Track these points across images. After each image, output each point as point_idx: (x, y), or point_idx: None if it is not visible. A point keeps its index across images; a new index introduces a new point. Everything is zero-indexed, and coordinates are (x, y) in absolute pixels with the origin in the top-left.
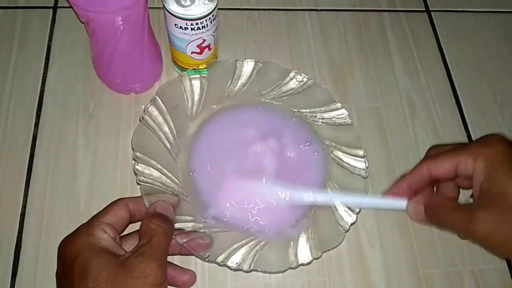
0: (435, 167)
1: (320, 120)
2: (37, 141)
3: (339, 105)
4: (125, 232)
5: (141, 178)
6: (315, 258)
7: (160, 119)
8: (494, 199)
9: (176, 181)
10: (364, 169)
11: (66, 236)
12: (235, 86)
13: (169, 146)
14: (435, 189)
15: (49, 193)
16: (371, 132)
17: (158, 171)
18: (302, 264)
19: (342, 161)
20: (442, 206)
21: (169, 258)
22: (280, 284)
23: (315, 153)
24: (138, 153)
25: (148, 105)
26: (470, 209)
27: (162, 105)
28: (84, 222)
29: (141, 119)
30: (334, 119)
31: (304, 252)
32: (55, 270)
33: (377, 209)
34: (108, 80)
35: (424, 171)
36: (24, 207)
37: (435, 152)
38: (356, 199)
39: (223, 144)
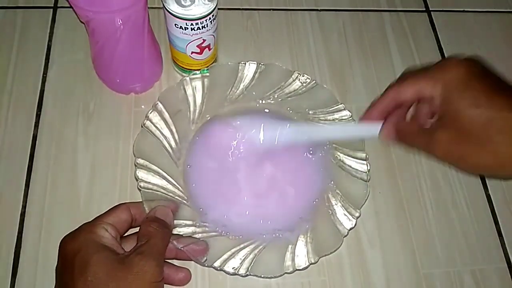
0: (399, 93)
1: (323, 122)
2: (37, 141)
3: (342, 106)
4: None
5: (142, 184)
6: (312, 263)
7: (162, 124)
8: (450, 120)
9: (177, 185)
10: (365, 172)
11: (68, 233)
12: (238, 89)
13: (171, 151)
14: (414, 107)
15: (49, 193)
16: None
17: (159, 176)
18: (299, 269)
19: (344, 163)
20: (407, 130)
21: (169, 260)
22: (280, 284)
23: (319, 154)
24: (139, 160)
25: (150, 111)
26: (430, 132)
27: (164, 110)
28: (84, 221)
29: (143, 125)
30: (337, 120)
31: (301, 257)
32: (55, 265)
33: (353, 138)
34: (108, 80)
35: (391, 97)
36: (24, 207)
37: (405, 75)
38: (331, 129)
39: (222, 148)
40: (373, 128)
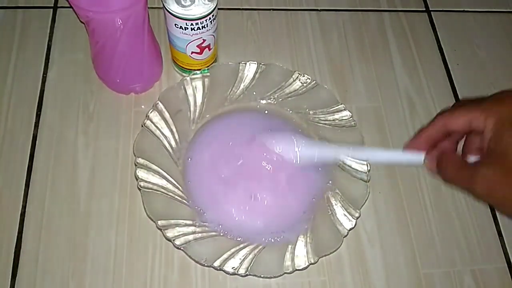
0: (450, 121)
1: (323, 122)
2: (37, 141)
3: (342, 106)
4: None
5: (142, 183)
6: (311, 263)
7: (162, 124)
8: (498, 157)
9: (177, 185)
10: (366, 172)
11: None
12: (238, 89)
13: (171, 151)
14: (465, 139)
15: (49, 193)
16: (371, 132)
17: (159, 176)
18: (298, 269)
19: (344, 163)
20: (450, 163)
21: (169, 259)
22: (280, 284)
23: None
24: (140, 159)
25: (150, 110)
26: (475, 167)
27: (164, 110)
28: (84, 221)
29: (143, 125)
30: (337, 121)
31: (301, 257)
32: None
33: (396, 165)
34: (108, 80)
35: (440, 124)
36: (24, 207)
37: (459, 104)
38: (375, 154)
39: (221, 148)
40: (417, 157)
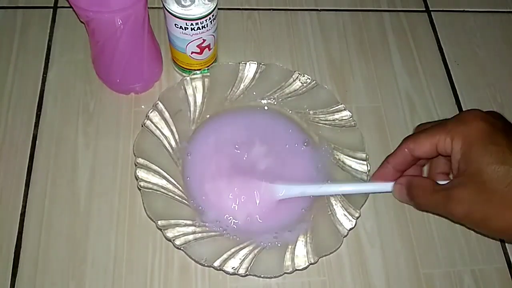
0: (415, 148)
1: (323, 122)
2: (37, 141)
3: (342, 106)
4: None
5: (142, 183)
6: (311, 263)
7: (162, 124)
8: (470, 178)
9: (177, 185)
10: (366, 172)
11: None
12: (238, 89)
13: (171, 151)
14: (428, 165)
15: (49, 193)
16: (371, 132)
17: (159, 176)
18: (298, 269)
19: (344, 163)
20: (421, 187)
21: (169, 259)
22: (280, 284)
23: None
24: (139, 159)
25: (150, 110)
26: (448, 190)
27: (164, 110)
28: (84, 221)
29: (143, 125)
30: (337, 121)
31: (301, 257)
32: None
33: (366, 193)
34: (108, 80)
35: (405, 152)
36: (24, 207)
37: (420, 128)
38: (344, 186)
39: (220, 147)
40: (385, 186)
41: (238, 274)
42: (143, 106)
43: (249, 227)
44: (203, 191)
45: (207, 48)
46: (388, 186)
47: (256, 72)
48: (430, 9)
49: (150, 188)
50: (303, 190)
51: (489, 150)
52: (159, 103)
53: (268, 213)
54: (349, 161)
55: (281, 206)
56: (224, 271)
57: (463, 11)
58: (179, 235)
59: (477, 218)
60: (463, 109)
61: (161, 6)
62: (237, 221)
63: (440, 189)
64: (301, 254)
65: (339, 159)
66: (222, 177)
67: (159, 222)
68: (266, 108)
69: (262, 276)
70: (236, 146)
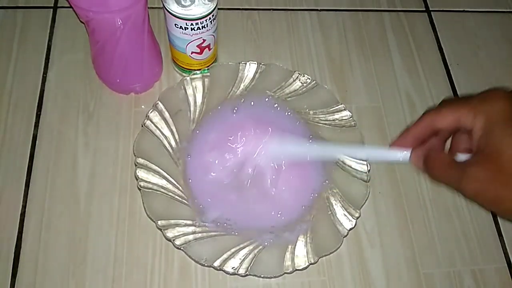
0: (437, 120)
1: (323, 122)
2: (37, 141)
3: (342, 106)
4: None
5: (142, 183)
6: (311, 263)
7: (162, 124)
8: (488, 156)
9: (177, 185)
10: (366, 172)
11: None
12: (238, 89)
13: (171, 151)
14: (451, 139)
15: (49, 193)
16: (371, 132)
17: (159, 176)
18: (298, 269)
19: (344, 163)
20: (437, 161)
21: (169, 259)
22: (280, 284)
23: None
24: (139, 159)
25: (150, 110)
26: (464, 166)
27: (164, 110)
28: (84, 221)
29: (143, 125)
30: (337, 121)
31: (301, 257)
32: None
33: (383, 162)
34: (108, 80)
35: (427, 123)
36: (24, 207)
37: (445, 102)
38: (360, 151)
39: (221, 145)
40: (403, 154)
41: (238, 274)
42: (143, 106)
43: (249, 226)
44: (204, 191)
45: (207, 48)
46: (406, 154)
47: (256, 72)
48: (430, 9)
49: (150, 188)
50: (322, 151)
51: (510, 131)
52: (159, 103)
53: (268, 212)
54: (349, 161)
55: (282, 204)
56: (224, 271)
57: (463, 11)
58: (179, 235)
59: (489, 197)
60: None
61: (161, 6)
62: (237, 219)
63: (456, 165)
64: (301, 254)
65: (339, 159)
66: (223, 176)
67: (159, 222)
68: (276, 105)
69: (262, 276)
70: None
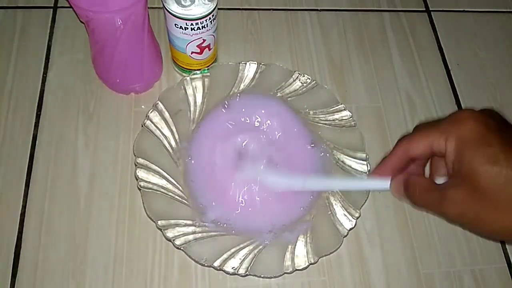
0: (411, 148)
1: (323, 122)
2: (37, 141)
3: (342, 106)
4: None
5: (142, 183)
6: (311, 263)
7: (162, 124)
8: (463, 179)
9: (177, 185)
10: (366, 172)
11: None
12: (238, 89)
13: (171, 151)
14: (429, 165)
15: (49, 193)
16: (371, 132)
17: (159, 176)
18: (298, 269)
19: (344, 163)
20: (417, 186)
21: (169, 259)
22: (280, 284)
23: (321, 154)
24: (139, 159)
25: (150, 110)
26: (442, 190)
27: (164, 110)
28: (84, 221)
29: (143, 125)
30: (337, 121)
31: (301, 257)
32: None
33: (364, 190)
34: (108, 80)
35: (401, 152)
36: (24, 207)
37: (417, 128)
38: (342, 182)
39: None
40: (383, 183)
41: (238, 274)
42: (143, 106)
43: (249, 226)
44: (205, 192)
45: (207, 48)
46: (386, 183)
47: (256, 72)
48: (430, 9)
49: (150, 188)
50: (302, 184)
51: (482, 151)
52: (159, 103)
53: (268, 212)
54: (349, 161)
55: (281, 204)
56: (224, 271)
57: (463, 11)
58: (179, 235)
59: (469, 219)
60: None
61: (161, 6)
62: (238, 218)
63: (435, 189)
64: (301, 254)
65: (339, 159)
66: (224, 176)
67: (159, 222)
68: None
69: (262, 276)
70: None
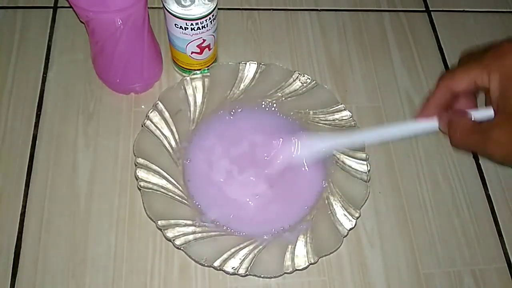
0: (452, 85)
1: (323, 122)
2: (37, 141)
3: (342, 106)
4: None
5: (142, 183)
6: (311, 263)
7: (162, 124)
8: (508, 118)
9: (177, 185)
10: (366, 172)
11: None
12: (238, 89)
13: (171, 151)
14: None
15: (49, 193)
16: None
17: (159, 176)
18: (298, 269)
19: (344, 163)
20: (458, 127)
21: (169, 259)
22: (280, 284)
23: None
24: (140, 159)
25: (150, 110)
26: (486, 130)
27: (164, 110)
28: (84, 221)
29: (143, 125)
30: (337, 121)
31: (301, 257)
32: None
33: (414, 135)
34: (108, 80)
35: (443, 89)
36: (24, 207)
37: (461, 61)
38: (388, 130)
39: (221, 147)
40: (430, 124)
41: (238, 274)
42: (143, 106)
43: (249, 226)
44: (204, 192)
45: (207, 48)
46: (433, 123)
47: (256, 72)
48: (430, 9)
49: (150, 188)
50: (335, 142)
51: None
52: (159, 103)
53: (267, 212)
54: (349, 161)
55: (282, 204)
56: (224, 271)
57: (463, 11)
58: (179, 235)
59: None
60: None
61: (161, 6)
62: (237, 220)
63: (478, 130)
64: (301, 254)
65: (339, 159)
66: (223, 177)
67: (159, 222)
68: (257, 109)
69: (262, 276)
70: (236, 145)
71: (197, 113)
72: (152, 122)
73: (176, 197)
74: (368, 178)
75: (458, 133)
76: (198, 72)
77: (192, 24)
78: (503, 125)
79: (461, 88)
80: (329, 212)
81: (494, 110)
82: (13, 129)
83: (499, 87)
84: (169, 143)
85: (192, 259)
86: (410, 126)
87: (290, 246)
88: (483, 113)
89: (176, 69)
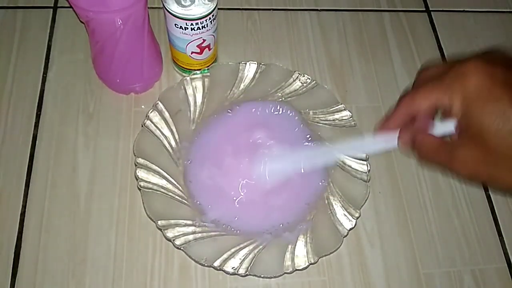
0: (414, 106)
1: (323, 122)
2: (37, 141)
3: (342, 106)
4: None
5: (142, 183)
6: (311, 263)
7: (162, 124)
8: (472, 139)
9: (177, 185)
10: (366, 172)
11: None
12: (238, 89)
13: (171, 151)
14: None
15: (49, 193)
16: (371, 132)
17: (159, 176)
18: (298, 269)
19: (344, 163)
20: (424, 145)
21: (169, 259)
22: (280, 284)
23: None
24: (140, 159)
25: (150, 110)
26: (452, 149)
27: (164, 110)
28: (84, 221)
29: (143, 125)
30: (337, 121)
31: (301, 257)
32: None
33: (372, 152)
34: (108, 80)
35: (404, 111)
36: (24, 207)
37: (420, 80)
38: (349, 147)
39: (220, 147)
40: (390, 139)
41: (238, 274)
42: (143, 106)
43: (249, 226)
44: (205, 192)
45: (207, 48)
46: (393, 140)
47: (256, 72)
48: (430, 9)
49: (150, 188)
50: (303, 161)
51: (489, 108)
52: (159, 103)
53: (267, 212)
54: (349, 161)
55: (282, 204)
56: (224, 271)
57: (463, 11)
58: (179, 235)
59: (483, 178)
60: None
61: (161, 6)
62: (237, 220)
63: (444, 149)
64: (301, 254)
65: (339, 159)
66: (223, 176)
67: (159, 222)
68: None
69: (262, 276)
70: (236, 145)
71: (197, 113)
72: (152, 122)
73: (176, 197)
74: (368, 178)
75: (424, 151)
76: (198, 72)
77: (192, 24)
78: (467, 145)
79: (422, 108)
80: (329, 212)
81: (455, 127)
82: (13, 129)
83: (461, 108)
84: (169, 143)
85: (192, 259)
86: (370, 143)
87: (290, 246)
88: (444, 129)
89: (176, 69)
